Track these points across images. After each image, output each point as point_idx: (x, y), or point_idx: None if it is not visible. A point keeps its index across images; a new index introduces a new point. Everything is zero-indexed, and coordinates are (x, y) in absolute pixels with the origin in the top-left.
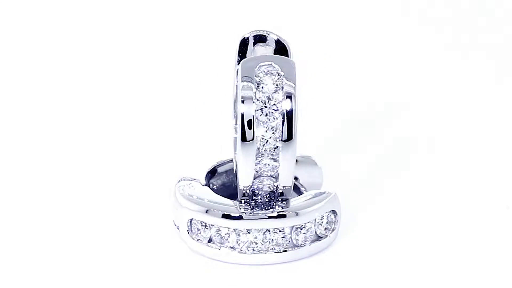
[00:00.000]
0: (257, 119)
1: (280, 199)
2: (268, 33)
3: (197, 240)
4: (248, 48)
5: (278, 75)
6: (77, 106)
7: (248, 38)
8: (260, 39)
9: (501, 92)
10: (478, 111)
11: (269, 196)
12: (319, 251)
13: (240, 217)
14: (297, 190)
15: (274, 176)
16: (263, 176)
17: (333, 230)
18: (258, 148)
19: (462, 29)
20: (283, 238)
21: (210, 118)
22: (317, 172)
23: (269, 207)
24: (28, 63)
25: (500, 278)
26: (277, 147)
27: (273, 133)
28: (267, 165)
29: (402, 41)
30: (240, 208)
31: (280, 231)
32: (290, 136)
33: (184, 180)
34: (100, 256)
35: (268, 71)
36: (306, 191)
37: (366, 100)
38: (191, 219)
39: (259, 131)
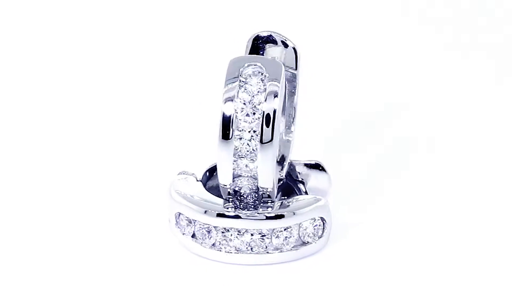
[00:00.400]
0: (238, 119)
1: (265, 201)
2: (277, 34)
3: (183, 234)
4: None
5: (264, 76)
6: (80, 105)
7: (259, 37)
8: (267, 40)
9: (501, 92)
10: (478, 111)
11: (253, 197)
12: (303, 257)
13: (221, 215)
14: (301, 194)
15: (254, 177)
16: (243, 176)
17: (320, 237)
18: (237, 148)
19: (462, 29)
20: (262, 241)
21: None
22: (324, 178)
23: (253, 208)
24: (17, 60)
25: (498, 280)
26: (256, 148)
27: (252, 134)
28: (246, 166)
29: (402, 41)
30: (225, 207)
31: (259, 233)
32: (268, 138)
33: (183, 174)
34: (91, 245)
35: (254, 72)
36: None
37: (366, 100)
38: (179, 213)
39: (238, 131)
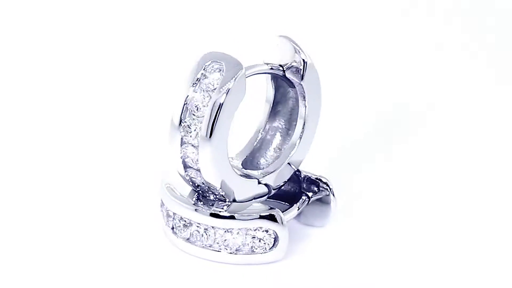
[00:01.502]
0: (189, 110)
1: (223, 200)
2: (289, 40)
3: (161, 212)
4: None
5: (221, 75)
6: (74, 103)
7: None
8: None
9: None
10: (478, 112)
11: (211, 193)
12: (247, 264)
13: (175, 203)
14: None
15: (199, 170)
16: (190, 168)
17: (271, 249)
18: (185, 138)
19: (463, 30)
20: (206, 236)
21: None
22: (329, 198)
23: (211, 205)
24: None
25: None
26: (198, 141)
27: (196, 128)
28: (193, 160)
29: (401, 42)
30: (189, 198)
31: (205, 228)
32: (208, 134)
33: None
34: (81, 237)
35: (215, 68)
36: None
37: (365, 100)
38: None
39: (186, 121)
